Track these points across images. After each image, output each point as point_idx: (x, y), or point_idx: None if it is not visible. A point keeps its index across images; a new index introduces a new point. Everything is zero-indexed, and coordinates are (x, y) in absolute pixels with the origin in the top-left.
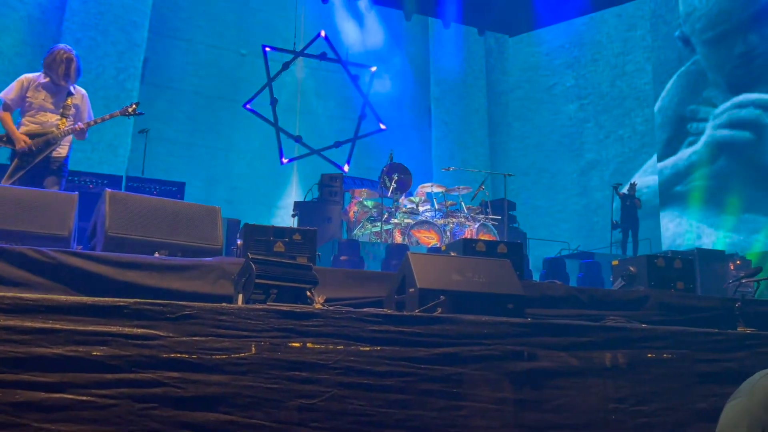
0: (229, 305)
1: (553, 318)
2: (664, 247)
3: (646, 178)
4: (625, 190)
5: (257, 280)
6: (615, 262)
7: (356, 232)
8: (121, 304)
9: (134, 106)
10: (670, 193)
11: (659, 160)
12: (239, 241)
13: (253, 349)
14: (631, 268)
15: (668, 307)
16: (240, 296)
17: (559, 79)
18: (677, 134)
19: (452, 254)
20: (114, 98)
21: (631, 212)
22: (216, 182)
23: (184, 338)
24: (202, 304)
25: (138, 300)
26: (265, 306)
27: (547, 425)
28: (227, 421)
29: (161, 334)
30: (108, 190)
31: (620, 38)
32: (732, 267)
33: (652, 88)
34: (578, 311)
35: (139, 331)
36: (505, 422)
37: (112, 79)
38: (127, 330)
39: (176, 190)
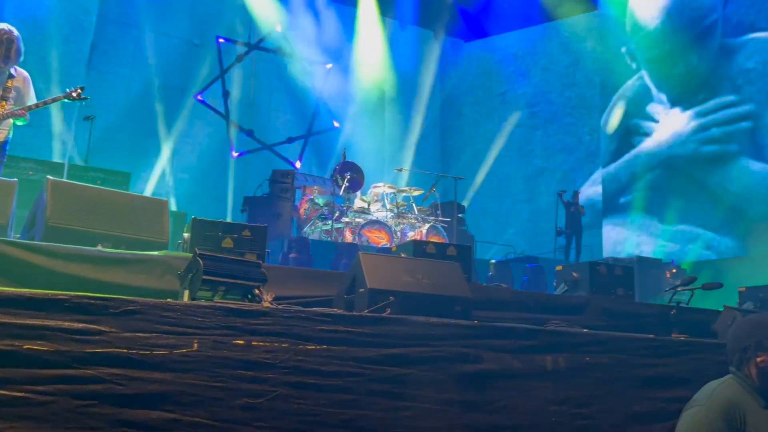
0: (174, 301)
1: (499, 321)
2: (605, 254)
3: (593, 188)
4: (569, 197)
5: (204, 277)
6: (559, 268)
7: (306, 229)
8: (61, 297)
9: (79, 90)
10: (613, 203)
11: (603, 170)
12: (186, 235)
13: (196, 345)
14: (574, 274)
15: (608, 313)
16: (186, 292)
17: (511, 86)
18: (621, 146)
19: (403, 255)
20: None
21: (575, 219)
22: (163, 174)
23: (127, 334)
24: (146, 300)
25: (79, 293)
26: (211, 303)
27: (490, 426)
28: (169, 419)
29: (103, 329)
30: (50, 177)
31: (572, 49)
32: (668, 275)
33: (600, 100)
34: (523, 315)
35: (80, 325)
36: (449, 423)
37: (57, 63)
38: (66, 324)
39: (121, 180)
